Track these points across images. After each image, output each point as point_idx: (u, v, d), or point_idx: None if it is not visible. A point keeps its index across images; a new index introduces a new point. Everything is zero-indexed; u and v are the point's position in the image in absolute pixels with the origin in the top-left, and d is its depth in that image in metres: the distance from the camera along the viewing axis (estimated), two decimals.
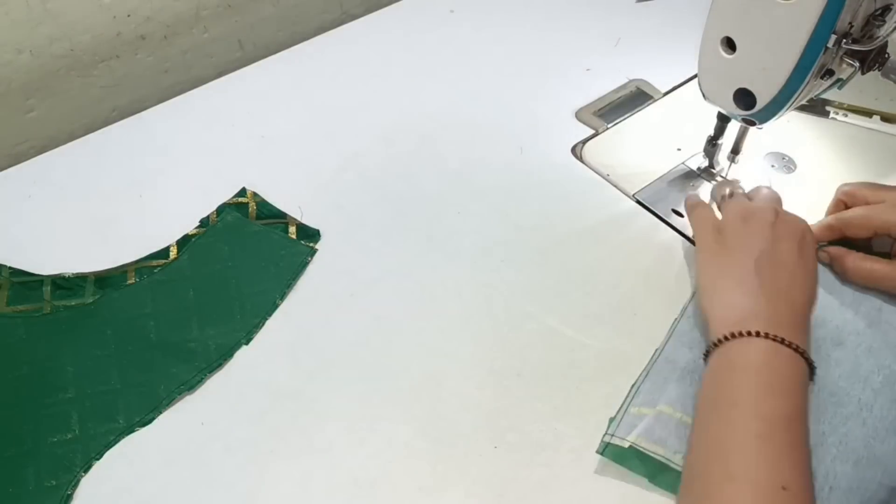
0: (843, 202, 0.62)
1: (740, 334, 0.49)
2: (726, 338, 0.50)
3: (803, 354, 0.49)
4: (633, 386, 0.55)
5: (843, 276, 0.60)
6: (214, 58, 0.88)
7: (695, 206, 0.62)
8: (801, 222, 0.57)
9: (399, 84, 0.80)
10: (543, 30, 0.86)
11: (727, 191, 0.61)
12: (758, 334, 0.49)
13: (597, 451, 0.52)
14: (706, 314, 0.54)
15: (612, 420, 0.53)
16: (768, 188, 0.61)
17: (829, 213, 0.63)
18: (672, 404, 0.53)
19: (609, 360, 0.57)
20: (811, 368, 0.50)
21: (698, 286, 0.57)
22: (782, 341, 0.49)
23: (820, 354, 0.55)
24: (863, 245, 0.60)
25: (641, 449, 0.51)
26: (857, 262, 0.59)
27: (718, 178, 0.68)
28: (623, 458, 0.51)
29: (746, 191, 0.62)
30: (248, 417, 0.54)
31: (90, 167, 0.72)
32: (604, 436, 0.52)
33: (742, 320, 0.50)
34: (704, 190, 0.68)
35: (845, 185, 0.62)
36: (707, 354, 0.52)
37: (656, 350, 0.57)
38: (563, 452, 0.52)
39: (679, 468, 0.50)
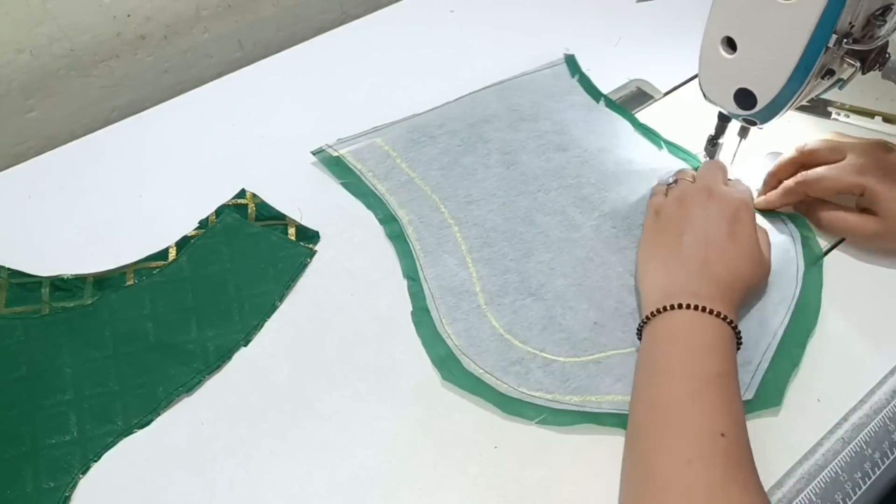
0: (799, 161, 0.63)
1: (665, 309, 0.52)
2: (653, 314, 0.53)
3: (727, 321, 0.51)
4: (373, 127, 0.72)
5: (818, 228, 0.63)
6: (214, 58, 0.87)
7: (653, 194, 0.65)
8: (734, 198, 0.59)
9: (399, 84, 0.80)
10: (543, 30, 0.86)
11: (671, 179, 0.63)
12: (680, 306, 0.51)
13: (311, 152, 0.70)
14: (639, 295, 0.57)
15: (339, 139, 0.71)
16: (713, 162, 0.64)
17: (781, 169, 0.64)
18: (386, 141, 0.71)
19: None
20: (738, 336, 0.52)
21: (636, 269, 0.60)
22: (703, 309, 0.51)
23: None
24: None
25: (346, 160, 0.69)
26: (832, 214, 0.61)
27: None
28: (329, 163, 0.70)
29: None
30: (248, 418, 0.54)
31: (90, 167, 0.72)
32: (325, 145, 0.70)
33: (666, 297, 0.53)
34: None
35: (805, 143, 0.63)
36: (640, 333, 0.54)
37: (415, 114, 0.73)
38: (563, 452, 0.52)
39: (367, 183, 0.68)
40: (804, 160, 0.63)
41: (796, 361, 0.56)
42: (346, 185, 0.68)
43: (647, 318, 0.53)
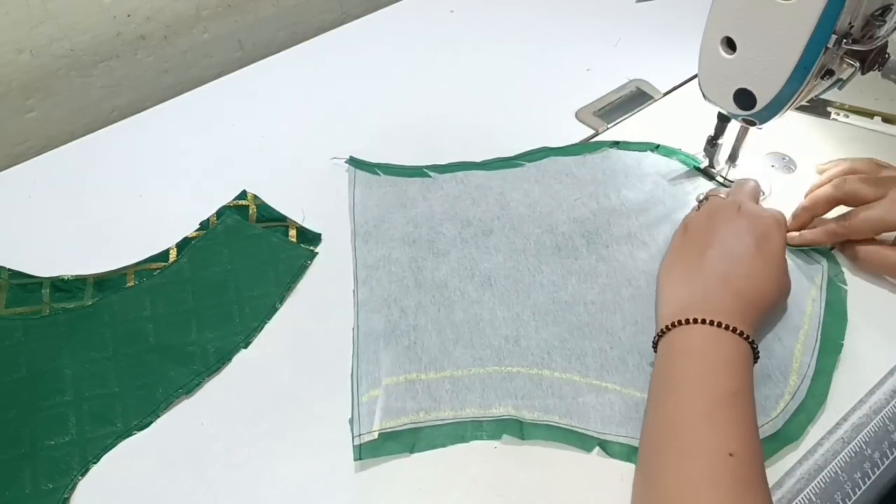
0: (837, 198, 0.60)
1: (680, 322, 0.51)
2: (669, 327, 0.52)
3: (744, 337, 0.50)
4: (352, 376, 0.56)
5: (855, 265, 0.61)
6: (214, 58, 0.88)
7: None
8: (766, 216, 0.58)
9: (399, 84, 0.80)
10: (543, 30, 0.86)
11: (702, 195, 0.63)
12: (695, 321, 0.51)
13: (354, 459, 0.51)
14: (657, 307, 0.56)
15: (351, 421, 0.53)
16: (752, 182, 0.62)
17: (816, 205, 0.61)
18: (391, 373, 0.55)
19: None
20: (755, 352, 0.51)
21: (658, 282, 0.59)
22: (720, 325, 0.50)
23: None
24: None
25: (391, 430, 0.52)
26: (870, 251, 0.60)
27: (719, 178, 0.68)
28: (380, 448, 0.52)
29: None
30: (248, 418, 0.54)
31: (90, 167, 0.72)
32: (353, 440, 0.52)
33: (683, 310, 0.52)
34: (703, 188, 0.68)
35: (844, 178, 0.60)
36: (655, 345, 0.53)
37: (353, 329, 0.58)
38: (563, 453, 0.52)
39: (429, 423, 0.53)
40: (842, 198, 0.60)
41: (820, 401, 0.54)
42: (421, 449, 0.52)
43: (663, 330, 0.52)
